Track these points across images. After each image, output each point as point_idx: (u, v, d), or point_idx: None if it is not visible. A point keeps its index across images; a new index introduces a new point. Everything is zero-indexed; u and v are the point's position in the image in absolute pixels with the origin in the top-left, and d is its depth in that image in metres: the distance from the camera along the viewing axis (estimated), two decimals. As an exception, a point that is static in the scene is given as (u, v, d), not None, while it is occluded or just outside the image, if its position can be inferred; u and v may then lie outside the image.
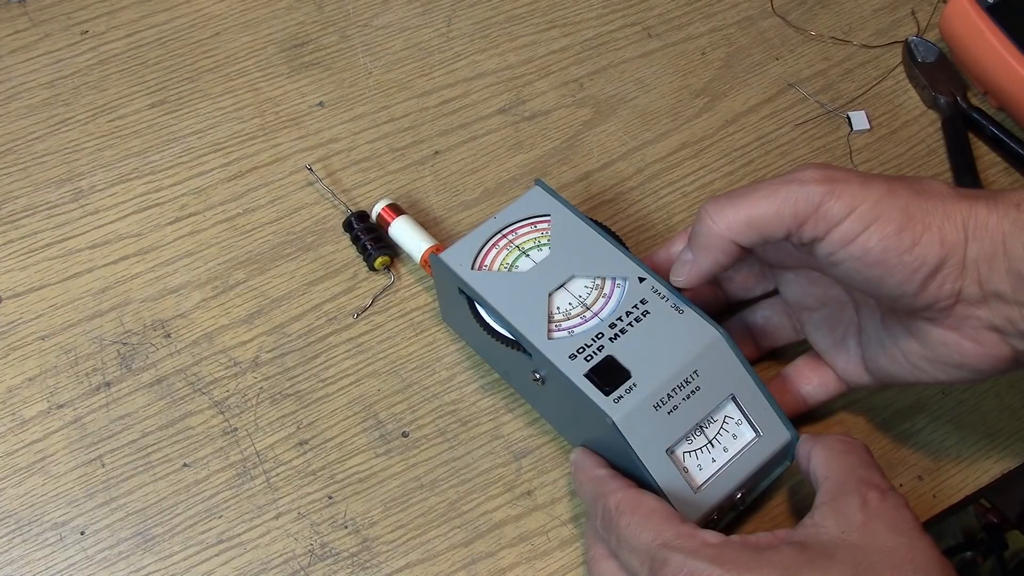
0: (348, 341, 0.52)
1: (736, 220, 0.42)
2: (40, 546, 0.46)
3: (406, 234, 0.54)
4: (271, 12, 0.65)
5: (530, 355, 0.45)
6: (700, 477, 0.43)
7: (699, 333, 0.44)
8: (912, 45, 0.63)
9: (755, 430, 0.44)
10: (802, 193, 0.40)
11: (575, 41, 0.64)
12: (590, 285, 0.47)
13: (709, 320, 0.45)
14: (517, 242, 0.48)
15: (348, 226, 0.55)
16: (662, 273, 0.46)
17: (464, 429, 0.50)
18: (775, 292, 0.50)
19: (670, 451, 0.42)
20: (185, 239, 0.55)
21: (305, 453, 0.49)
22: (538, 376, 0.45)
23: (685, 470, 0.43)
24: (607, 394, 0.42)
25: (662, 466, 0.42)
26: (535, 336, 0.44)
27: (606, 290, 0.46)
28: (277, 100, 0.61)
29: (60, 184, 0.57)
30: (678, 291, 0.46)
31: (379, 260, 0.54)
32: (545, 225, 0.49)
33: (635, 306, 0.45)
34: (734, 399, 0.44)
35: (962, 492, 0.49)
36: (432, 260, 0.48)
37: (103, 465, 0.48)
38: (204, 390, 0.50)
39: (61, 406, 0.50)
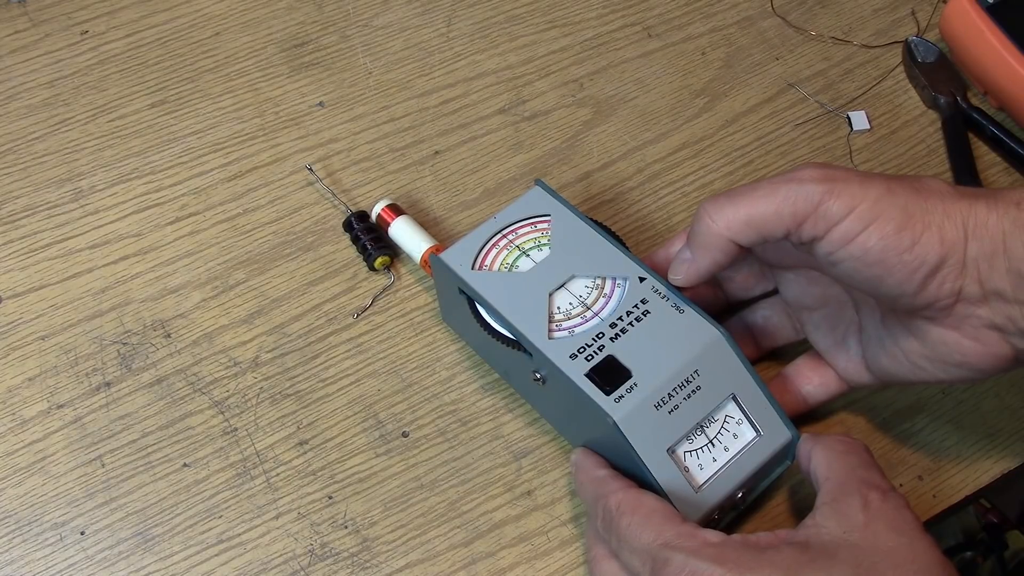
0: (348, 341, 0.52)
1: (735, 219, 0.42)
2: (40, 546, 0.46)
3: (406, 234, 0.54)
4: (271, 12, 0.65)
5: (531, 355, 0.45)
6: (701, 476, 0.43)
7: (700, 333, 0.44)
8: (912, 45, 0.63)
9: (756, 429, 0.44)
10: (801, 192, 0.40)
11: (575, 41, 0.64)
12: (590, 285, 0.47)
13: (710, 320, 0.45)
14: (517, 242, 0.48)
15: (348, 226, 0.55)
16: (662, 273, 0.46)
17: (464, 429, 0.50)
18: (775, 292, 0.50)
19: (671, 450, 0.42)
20: (185, 239, 0.55)
21: (305, 453, 0.49)
22: (538, 376, 0.45)
23: (686, 469, 0.43)
24: (608, 394, 0.42)
25: (663, 466, 0.42)
26: (535, 336, 0.44)
27: (606, 290, 0.46)
28: (277, 100, 0.61)
29: (60, 184, 0.57)
30: (678, 291, 0.46)
31: (379, 260, 0.54)
32: (545, 225, 0.49)
33: (635, 306, 0.45)
34: (735, 398, 0.44)
35: (962, 492, 0.49)
36: (432, 260, 0.48)
37: (103, 465, 0.48)
38: (204, 390, 0.50)
39: (61, 406, 0.50)
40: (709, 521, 0.43)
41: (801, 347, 0.50)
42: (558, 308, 0.46)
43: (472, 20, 0.65)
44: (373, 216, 0.55)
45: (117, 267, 0.54)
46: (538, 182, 0.50)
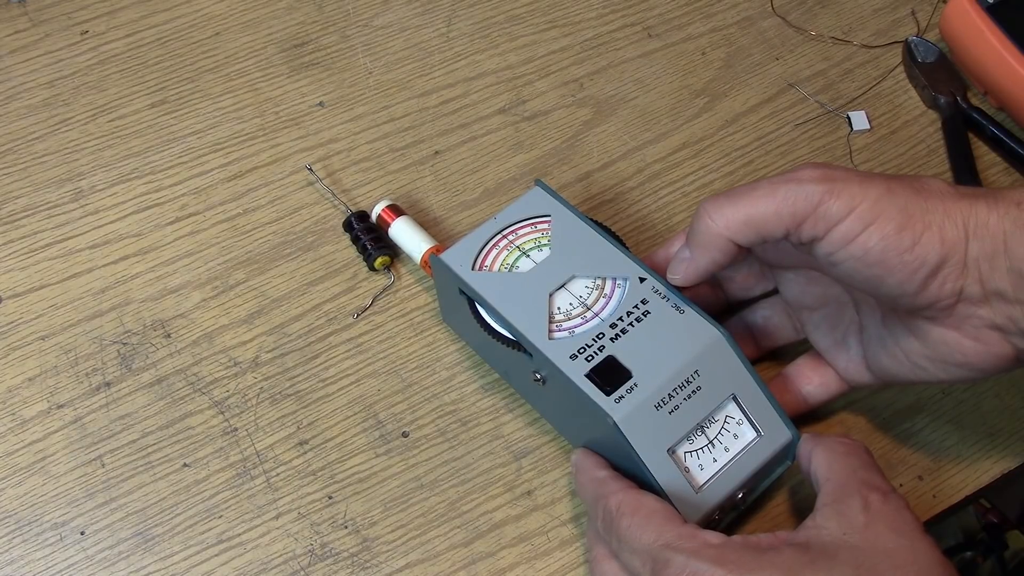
0: (348, 341, 0.52)
1: (735, 219, 0.42)
2: (40, 546, 0.46)
3: (406, 235, 0.54)
4: (271, 12, 0.65)
5: (531, 355, 0.45)
6: (701, 477, 0.43)
7: (700, 333, 0.44)
8: (912, 45, 0.63)
9: (756, 430, 0.44)
10: (801, 192, 0.40)
11: (575, 41, 0.64)
12: (591, 285, 0.47)
13: (710, 320, 0.45)
14: (517, 242, 0.48)
15: (348, 226, 0.55)
16: (662, 273, 0.46)
17: (464, 429, 0.50)
18: (775, 292, 0.50)
19: (671, 451, 0.42)
20: (185, 239, 0.55)
21: (305, 453, 0.49)
22: (539, 376, 0.45)
23: (686, 470, 0.43)
24: (608, 394, 0.42)
25: (663, 466, 0.42)
26: (536, 336, 0.44)
27: (607, 290, 0.46)
28: (277, 100, 0.61)
29: (60, 184, 0.57)
30: (679, 291, 0.46)
31: (379, 260, 0.54)
32: (545, 225, 0.49)
33: (636, 306, 0.45)
34: (735, 399, 0.44)
35: (962, 492, 0.49)
36: (432, 261, 0.48)
37: (103, 465, 0.48)
38: (204, 390, 0.50)
39: (61, 406, 0.50)
40: (709, 521, 0.43)
41: (801, 347, 0.50)
42: (558, 308, 0.46)
43: (472, 20, 0.65)
44: (373, 216, 0.55)
45: (117, 267, 0.54)
46: (538, 182, 0.50)
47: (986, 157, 0.60)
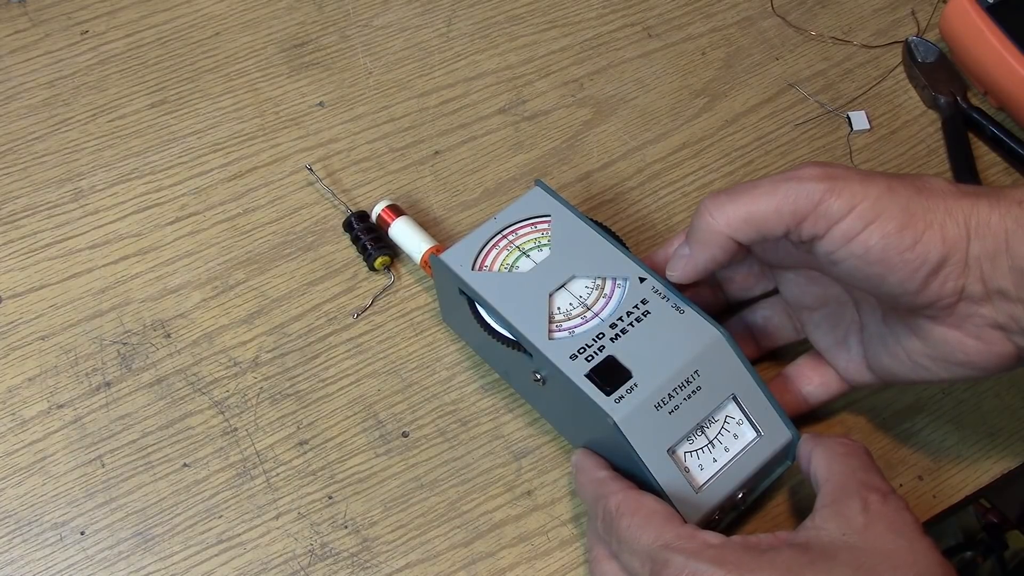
0: (348, 341, 0.52)
1: (735, 216, 0.42)
2: (40, 546, 0.46)
3: (406, 235, 0.54)
4: (271, 12, 0.65)
5: (531, 355, 0.45)
6: (701, 477, 0.43)
7: (700, 333, 0.44)
8: (912, 45, 0.63)
9: (756, 430, 0.44)
10: (802, 190, 0.40)
11: (575, 41, 0.64)
12: (591, 285, 0.46)
13: (710, 320, 0.45)
14: (517, 242, 0.48)
15: (348, 226, 0.55)
16: (662, 273, 0.46)
17: (464, 429, 0.50)
18: (775, 292, 0.50)
19: (671, 451, 0.42)
20: (185, 239, 0.55)
21: (305, 453, 0.49)
22: (539, 376, 0.45)
23: (686, 470, 0.43)
24: (608, 394, 0.42)
25: (663, 466, 0.42)
26: (536, 336, 0.44)
27: (607, 290, 0.46)
28: (277, 100, 0.61)
29: (60, 184, 0.57)
30: (679, 291, 0.46)
31: (379, 260, 0.54)
32: (545, 225, 0.49)
33: (636, 306, 0.45)
34: (735, 399, 0.44)
35: (962, 492, 0.49)
36: (432, 261, 0.48)
37: (103, 465, 0.48)
38: (204, 390, 0.50)
39: (61, 406, 0.50)
40: (709, 522, 0.43)
41: (801, 347, 0.50)
42: (558, 308, 0.46)
43: (472, 20, 0.65)
44: (373, 217, 0.55)
45: (117, 267, 0.54)
46: (538, 182, 0.50)
47: (986, 157, 0.60)
